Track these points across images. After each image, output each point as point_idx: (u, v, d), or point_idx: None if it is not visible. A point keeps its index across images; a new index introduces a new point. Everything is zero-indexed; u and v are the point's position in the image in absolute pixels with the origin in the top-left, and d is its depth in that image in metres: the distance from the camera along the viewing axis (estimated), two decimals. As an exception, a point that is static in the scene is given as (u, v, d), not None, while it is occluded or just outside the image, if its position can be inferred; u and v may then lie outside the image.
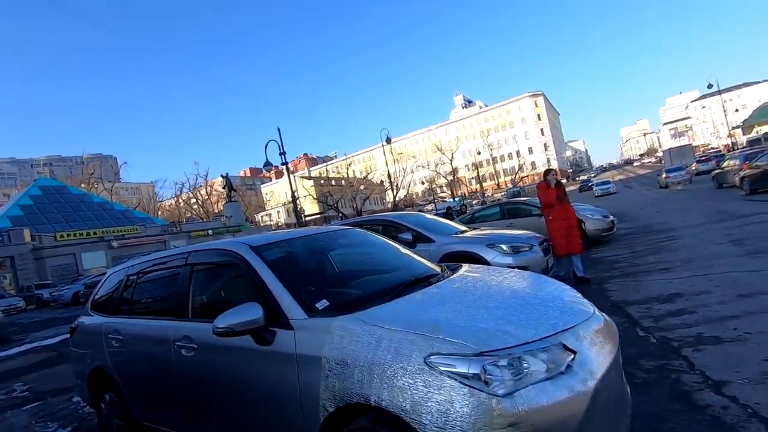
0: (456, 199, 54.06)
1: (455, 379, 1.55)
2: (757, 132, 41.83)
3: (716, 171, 18.61)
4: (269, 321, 2.05)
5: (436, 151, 66.61)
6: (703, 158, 33.52)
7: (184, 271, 2.78)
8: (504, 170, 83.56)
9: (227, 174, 42.77)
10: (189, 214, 60.08)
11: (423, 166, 61.57)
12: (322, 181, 58.35)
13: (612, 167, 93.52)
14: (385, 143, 31.75)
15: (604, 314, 2.13)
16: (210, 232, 38.97)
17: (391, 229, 6.45)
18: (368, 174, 56.85)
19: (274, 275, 2.27)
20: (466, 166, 76.13)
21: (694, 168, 28.61)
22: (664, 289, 4.87)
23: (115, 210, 40.44)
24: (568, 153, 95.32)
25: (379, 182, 61.18)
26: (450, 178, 61.87)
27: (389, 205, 56.07)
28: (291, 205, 48.69)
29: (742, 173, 14.21)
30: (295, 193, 21.95)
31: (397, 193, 44.55)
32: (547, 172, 6.59)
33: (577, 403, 1.56)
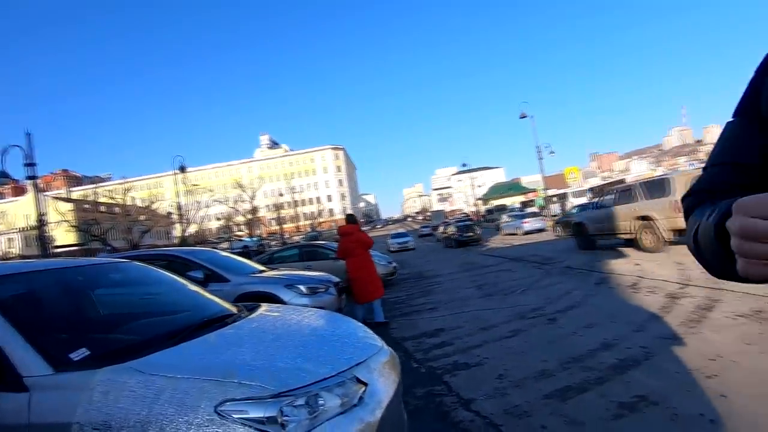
0: (254, 238, 52.22)
1: (249, 426, 1.44)
2: (491, 204, 55.65)
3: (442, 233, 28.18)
4: (-14, 382, 1.49)
5: (237, 187, 63.73)
6: (451, 220, 42.66)
7: None
8: (304, 214, 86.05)
9: (-74, 181, 30.34)
10: None
11: (220, 202, 57.60)
12: (86, 206, 47.53)
13: (395, 221, 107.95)
14: (178, 171, 28.60)
15: (390, 348, 2.37)
16: None
17: (178, 265, 5.70)
18: (152, 203, 49.47)
19: (1, 318, 1.69)
20: (267, 206, 75.12)
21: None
22: (431, 326, 5.78)
23: None
24: (362, 204, 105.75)
25: (165, 214, 53.85)
26: (249, 216, 59.69)
27: (176, 241, 49.73)
28: (33, 233, 37.60)
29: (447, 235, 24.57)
30: (45, 217, 17.21)
31: (187, 227, 40.05)
32: (350, 217, 6.78)
33: None
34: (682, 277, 6.48)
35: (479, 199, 66.49)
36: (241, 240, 50.11)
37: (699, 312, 4.58)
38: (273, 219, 70.55)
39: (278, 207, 69.45)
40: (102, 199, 46.14)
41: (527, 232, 22.10)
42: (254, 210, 60.65)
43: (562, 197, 35.34)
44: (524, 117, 27.76)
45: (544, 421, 2.73)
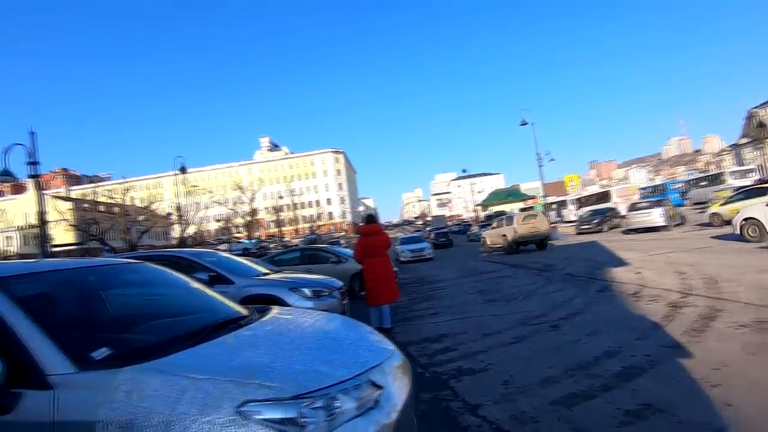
0: (253, 240, 52.16)
1: (270, 427, 1.47)
2: (490, 210, 55.72)
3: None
4: (12, 381, 1.52)
5: (237, 189, 63.79)
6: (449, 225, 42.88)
7: None
8: (303, 217, 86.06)
9: (-75, 178, 30.26)
10: None
11: (220, 203, 57.59)
12: (86, 205, 47.48)
13: (394, 225, 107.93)
14: (178, 172, 28.60)
15: (401, 352, 2.40)
16: None
17: (183, 267, 5.71)
18: (152, 204, 49.48)
19: (26, 317, 1.72)
20: (266, 208, 75.11)
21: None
22: (435, 331, 5.79)
23: None
24: (361, 208, 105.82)
25: (165, 214, 53.77)
26: (249, 218, 59.66)
27: (175, 241, 49.67)
28: (31, 231, 37.42)
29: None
30: (45, 215, 17.19)
31: (186, 228, 40.02)
32: (370, 217, 6.63)
33: None
34: (684, 286, 6.52)
35: (478, 204, 66.57)
36: (240, 242, 50.07)
37: (702, 321, 4.61)
38: (272, 221, 70.48)
39: (277, 209, 69.46)
40: (101, 199, 46.08)
41: None
42: (253, 212, 60.64)
43: (562, 204, 35.47)
44: (525, 124, 27.88)
45: (551, 428, 2.75)
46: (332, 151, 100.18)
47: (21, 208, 52.70)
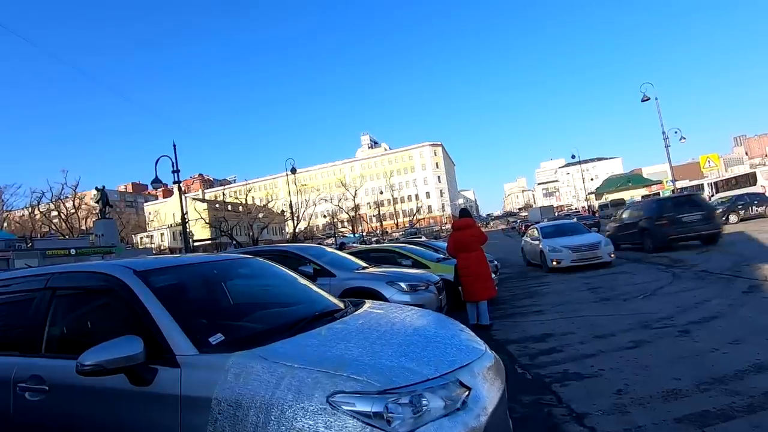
0: (356, 235, 54.79)
1: (357, 419, 1.53)
2: (605, 199, 50.49)
3: None
4: (150, 358, 1.81)
5: (340, 186, 67.55)
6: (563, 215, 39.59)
7: (41, 297, 2.34)
8: (403, 211, 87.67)
9: (103, 187, 37.66)
10: (47, 229, 50.80)
11: (326, 200, 61.54)
12: (217, 205, 54.67)
13: (496, 217, 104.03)
14: (289, 172, 31.27)
15: (494, 352, 2.30)
16: (73, 251, 33.21)
17: (291, 260, 6.24)
18: (269, 202, 55.04)
19: (161, 305, 2.03)
20: (368, 203, 78.21)
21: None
22: (538, 330, 5.45)
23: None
24: (461, 201, 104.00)
25: (279, 212, 59.31)
26: (352, 214, 62.76)
27: (288, 236, 54.51)
28: (178, 228, 44.35)
29: None
30: (186, 216, 20.19)
31: (297, 224, 43.62)
32: (464, 211, 6.68)
33: None
34: None
35: (591, 193, 60.72)
36: (344, 236, 52.92)
37: None
38: (374, 216, 73.03)
39: (378, 204, 71.77)
40: (229, 200, 52.43)
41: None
42: (356, 207, 63.58)
43: (697, 189, 30.48)
44: (646, 100, 24.50)
45: (676, 449, 2.40)
46: (430, 145, 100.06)
47: (170, 210, 62.88)
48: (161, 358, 1.84)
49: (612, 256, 10.54)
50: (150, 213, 77.20)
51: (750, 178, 25.40)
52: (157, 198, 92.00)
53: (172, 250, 53.95)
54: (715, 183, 28.07)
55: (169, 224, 62.00)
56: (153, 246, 58.77)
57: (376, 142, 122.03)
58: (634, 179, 61.54)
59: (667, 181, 34.62)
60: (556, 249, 10.74)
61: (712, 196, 25.32)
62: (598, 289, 7.79)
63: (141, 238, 63.63)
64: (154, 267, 2.40)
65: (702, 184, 29.91)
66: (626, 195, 46.42)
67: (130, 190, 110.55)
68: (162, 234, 63.66)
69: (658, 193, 38.91)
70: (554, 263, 10.58)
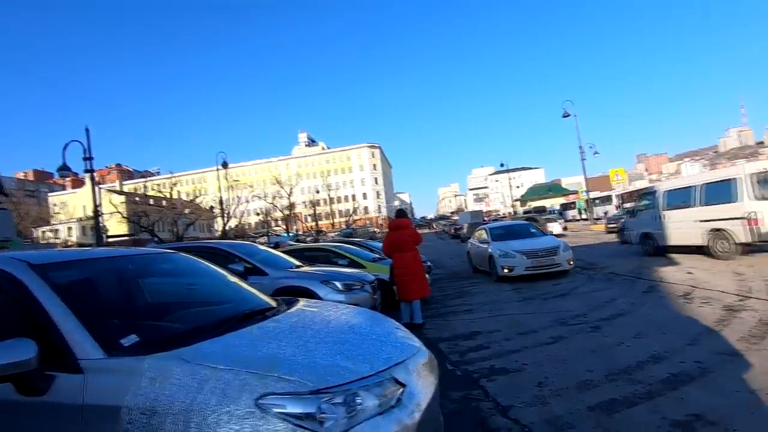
0: (290, 234, 53.42)
1: (288, 421, 1.45)
2: (529, 205, 54.09)
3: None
4: (47, 363, 1.58)
5: (275, 183, 65.43)
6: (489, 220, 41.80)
7: None
8: (339, 211, 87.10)
9: (-2, 173, 33.04)
10: None
11: (260, 197, 59.26)
12: (137, 198, 50.30)
13: (430, 220, 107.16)
14: (220, 167, 29.71)
15: (428, 349, 2.32)
16: (-45, 245, 28.75)
17: (220, 258, 5.88)
18: (196, 197, 51.79)
19: (62, 303, 1.78)
20: (304, 202, 76.57)
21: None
22: (467, 328, 5.66)
23: None
24: (396, 203, 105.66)
25: (208, 208, 56.04)
26: (287, 212, 61.11)
27: (218, 234, 51.71)
28: (89, 222, 40.08)
29: None
30: (100, 208, 18.33)
31: (228, 221, 41.51)
32: (401, 211, 6.76)
33: None
34: (742, 288, 6.02)
35: (517, 200, 64.84)
36: (279, 235, 51.37)
37: (762, 327, 4.22)
38: (309, 215, 71.72)
39: (314, 204, 70.63)
40: (151, 193, 48.56)
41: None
42: (291, 206, 61.99)
43: (606, 200, 33.85)
44: (567, 116, 26.75)
45: (589, 435, 2.59)
46: (368, 146, 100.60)
47: (80, 201, 56.66)
48: (59, 364, 1.61)
49: (571, 263, 9.30)
50: (55, 204, 68.90)
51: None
52: (64, 188, 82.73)
53: (80, 247, 48.69)
54: (621, 195, 31.35)
55: (79, 217, 55.94)
56: (58, 241, 52.56)
57: (313, 141, 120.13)
58: (554, 188, 66.62)
59: (582, 191, 38.00)
60: (508, 254, 9.18)
61: (620, 205, 28.22)
62: (521, 289, 8.29)
63: (43, 231, 56.66)
64: (54, 261, 2.12)
65: (611, 195, 33.27)
66: (547, 203, 50.12)
67: (31, 177, 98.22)
68: (70, 228, 57.20)
69: (574, 202, 42.62)
70: (505, 271, 9.06)
